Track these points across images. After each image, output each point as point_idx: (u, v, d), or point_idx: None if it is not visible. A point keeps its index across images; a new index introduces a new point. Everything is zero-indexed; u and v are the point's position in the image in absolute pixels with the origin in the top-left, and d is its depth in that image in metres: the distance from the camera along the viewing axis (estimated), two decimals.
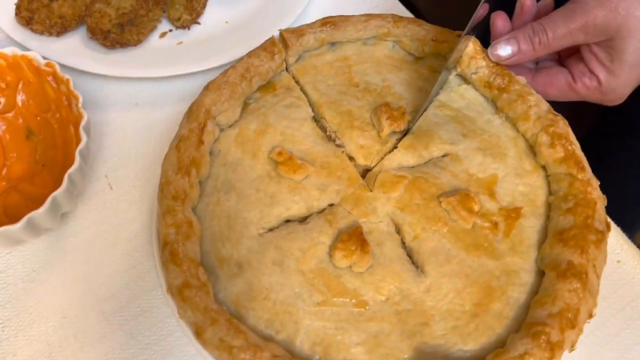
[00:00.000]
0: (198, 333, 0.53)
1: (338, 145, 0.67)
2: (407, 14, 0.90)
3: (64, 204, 0.65)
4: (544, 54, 0.68)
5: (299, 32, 0.70)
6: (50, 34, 0.81)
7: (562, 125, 0.66)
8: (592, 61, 0.66)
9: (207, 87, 0.67)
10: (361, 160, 0.66)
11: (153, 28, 0.85)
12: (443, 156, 0.67)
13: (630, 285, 0.70)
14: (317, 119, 0.69)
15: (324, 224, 0.61)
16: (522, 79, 0.69)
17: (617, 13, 0.60)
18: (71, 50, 0.80)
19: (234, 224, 0.61)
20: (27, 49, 0.74)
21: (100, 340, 0.63)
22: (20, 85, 0.73)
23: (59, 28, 0.81)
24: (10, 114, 0.74)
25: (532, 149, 0.68)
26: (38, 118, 0.73)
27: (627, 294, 0.69)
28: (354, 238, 0.59)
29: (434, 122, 0.69)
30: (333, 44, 0.73)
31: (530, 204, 0.64)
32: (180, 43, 0.84)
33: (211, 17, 0.88)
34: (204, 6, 0.88)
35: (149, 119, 0.79)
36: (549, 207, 0.64)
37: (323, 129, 0.69)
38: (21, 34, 0.80)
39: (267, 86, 0.71)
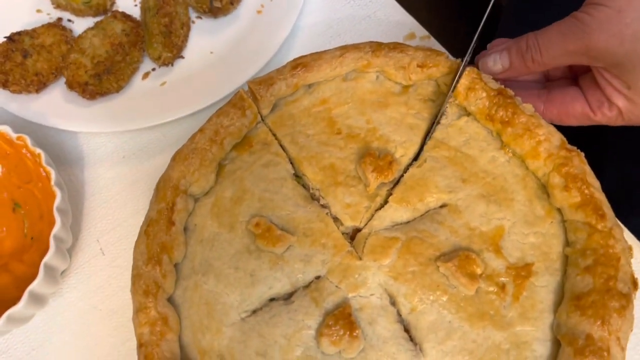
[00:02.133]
0: None
1: (323, 206, 0.61)
2: (407, 17, 0.81)
3: (59, 264, 0.64)
4: (541, 70, 0.60)
5: (268, 81, 0.63)
6: (29, 92, 0.78)
7: (578, 164, 0.56)
8: (608, 88, 0.56)
9: (174, 158, 0.62)
10: (348, 222, 0.59)
11: (134, 71, 0.80)
12: (441, 207, 0.60)
13: None
14: (298, 176, 0.63)
15: (310, 303, 0.56)
16: (529, 108, 0.60)
17: (623, 39, 0.51)
18: (52, 108, 0.77)
19: (213, 311, 0.57)
20: (9, 112, 0.73)
21: None
22: None
23: (36, 85, 0.78)
24: None
25: (545, 189, 0.59)
26: (21, 189, 0.72)
27: None
28: (341, 321, 0.54)
29: (429, 167, 0.61)
30: (310, 85, 0.66)
31: (544, 258, 0.56)
32: (163, 84, 0.79)
33: (195, 48, 0.82)
34: (185, 39, 0.82)
35: (137, 172, 0.76)
36: (566, 259, 0.56)
37: (306, 186, 0.62)
38: (1, 97, 0.78)
39: (243, 143, 0.65)
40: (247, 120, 0.63)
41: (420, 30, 0.80)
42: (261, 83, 0.63)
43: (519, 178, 0.60)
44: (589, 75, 0.59)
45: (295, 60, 0.64)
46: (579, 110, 0.59)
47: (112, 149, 0.78)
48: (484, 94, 0.61)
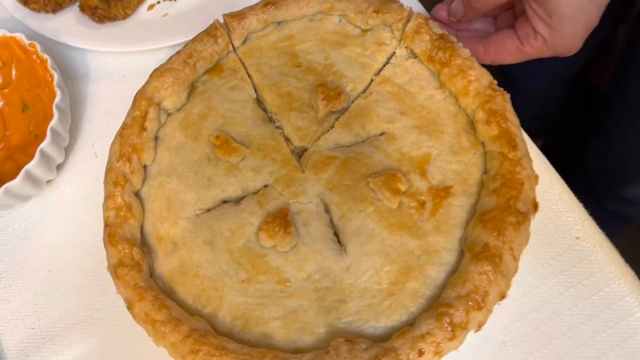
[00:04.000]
0: (129, 307, 0.59)
1: (277, 127, 0.69)
2: None
3: (54, 155, 0.74)
4: (487, 9, 0.68)
5: (240, 15, 0.71)
6: (47, 12, 0.87)
7: (500, 101, 0.63)
8: (534, 19, 0.63)
9: (151, 75, 0.70)
10: (297, 142, 0.68)
11: (140, 2, 0.89)
12: (380, 135, 0.67)
13: (586, 263, 0.69)
14: (260, 101, 0.71)
15: (255, 205, 0.64)
16: (465, 52, 0.67)
17: None
18: (64, 27, 0.87)
19: (173, 206, 0.66)
20: (28, 27, 0.84)
21: (78, 292, 0.73)
22: (13, 63, 0.81)
23: (53, 6, 0.87)
24: (6, 90, 0.82)
25: (473, 125, 0.66)
26: (30, 92, 0.81)
27: (581, 272, 0.68)
28: (278, 219, 0.62)
29: (373, 100, 0.69)
30: (280, 23, 0.74)
31: (462, 183, 0.63)
32: (165, 15, 0.88)
33: None
34: None
35: (134, 90, 0.83)
36: (482, 185, 0.63)
37: (265, 110, 0.71)
38: (22, 13, 0.88)
39: (215, 68, 0.73)
40: (219, 48, 0.72)
41: None
42: (234, 17, 0.71)
43: (451, 114, 0.67)
44: (522, 17, 0.66)
45: None
46: (511, 46, 0.66)
47: (114, 68, 0.88)
48: (428, 37, 0.68)
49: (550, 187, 0.72)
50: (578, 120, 1.75)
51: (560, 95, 1.66)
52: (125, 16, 0.87)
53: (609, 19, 1.31)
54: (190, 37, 0.82)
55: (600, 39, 1.40)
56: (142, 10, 0.89)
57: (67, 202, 0.79)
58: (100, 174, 0.78)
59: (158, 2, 0.90)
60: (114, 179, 0.65)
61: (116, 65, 0.87)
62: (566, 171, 1.56)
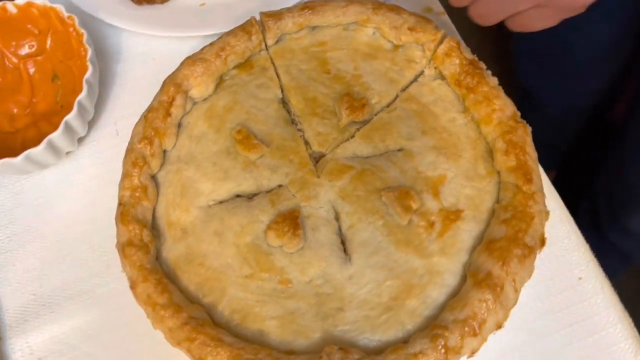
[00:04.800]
0: (132, 287, 0.61)
1: (299, 130, 0.70)
2: None
3: (78, 128, 0.75)
4: None
5: (277, 15, 0.72)
6: None
7: (521, 134, 0.64)
8: None
9: (182, 62, 0.72)
10: (316, 147, 0.68)
11: None
12: (398, 150, 0.68)
13: (585, 304, 0.69)
14: (285, 102, 0.72)
15: (267, 203, 0.65)
16: (493, 80, 0.68)
17: None
18: (103, 3, 0.88)
19: (187, 193, 0.67)
20: (68, 1, 0.85)
21: (83, 265, 0.74)
22: (49, 33, 0.83)
23: None
24: (40, 57, 0.84)
25: (491, 153, 0.67)
26: (62, 64, 0.83)
27: (580, 313, 0.68)
28: (287, 220, 0.63)
29: (396, 116, 0.69)
30: (314, 27, 0.75)
31: (474, 208, 0.64)
32: (203, 4, 0.89)
33: None
34: None
35: (163, 74, 0.85)
36: (493, 214, 0.64)
37: (289, 112, 0.72)
38: None
39: (245, 64, 0.74)
40: (252, 45, 0.73)
41: (437, 6, 0.88)
42: (271, 16, 0.72)
43: (470, 139, 0.68)
44: None
45: (305, 2, 0.73)
46: None
47: (147, 50, 0.89)
48: (458, 61, 0.69)
49: (559, 224, 0.73)
50: (591, 153, 1.76)
51: (574, 127, 1.67)
52: (164, 1, 0.88)
53: (622, 57, 1.33)
54: (225, 30, 0.83)
55: (615, 72, 1.40)
56: None
57: (84, 175, 0.80)
58: (119, 152, 0.79)
59: None
60: (133, 159, 0.66)
61: (148, 47, 0.88)
62: (575, 201, 1.57)
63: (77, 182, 0.80)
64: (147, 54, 0.88)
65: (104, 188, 0.78)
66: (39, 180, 0.80)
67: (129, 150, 0.67)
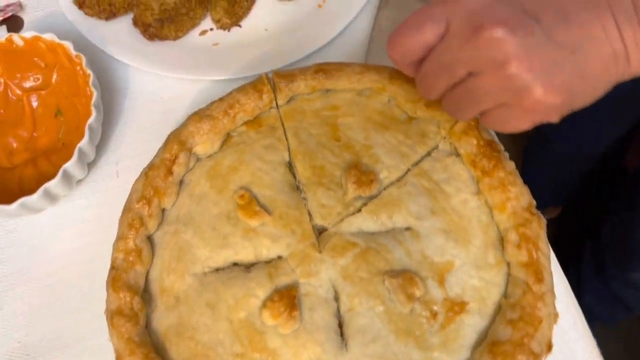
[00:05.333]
0: (117, 358, 0.58)
1: (304, 199, 0.67)
2: None
3: (77, 173, 0.73)
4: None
5: (290, 76, 0.70)
6: (99, 18, 0.86)
7: (535, 227, 0.61)
8: None
9: (189, 117, 0.69)
10: (318, 219, 0.66)
11: (194, 25, 0.87)
12: (406, 229, 0.65)
13: None
14: (291, 166, 0.70)
15: (265, 276, 0.63)
16: (510, 165, 0.65)
17: None
18: (113, 37, 0.85)
19: (183, 258, 0.64)
20: (78, 31, 0.84)
21: (71, 314, 0.72)
22: (56, 68, 0.80)
23: (107, 14, 0.86)
24: (44, 91, 0.81)
25: (502, 242, 0.64)
26: (67, 100, 0.80)
27: None
28: (285, 299, 0.60)
29: (406, 191, 0.66)
30: (328, 90, 0.72)
31: (480, 301, 0.61)
32: (216, 44, 0.86)
33: (252, 21, 0.88)
34: (246, 11, 0.88)
35: (170, 115, 0.84)
36: (499, 309, 0.61)
37: (295, 176, 0.69)
38: (75, 15, 0.86)
39: (254, 122, 0.71)
40: (262, 104, 0.70)
41: None
42: (284, 77, 0.70)
43: (482, 224, 0.65)
44: None
45: (319, 65, 0.70)
46: None
47: (155, 88, 0.86)
48: (475, 142, 0.66)
49: (566, 312, 0.70)
50: (600, 195, 1.74)
51: (585, 168, 1.65)
52: (176, 38, 0.86)
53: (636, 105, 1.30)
54: (235, 76, 0.81)
55: (632, 119, 1.38)
56: (194, 34, 0.87)
57: (80, 217, 0.78)
58: (118, 195, 0.77)
59: (211, 29, 0.88)
60: (129, 220, 0.63)
61: (156, 86, 0.86)
62: (580, 242, 1.54)
63: (72, 224, 0.77)
64: (156, 93, 0.86)
65: (100, 232, 0.76)
66: (34, 219, 0.78)
67: (126, 209, 0.65)
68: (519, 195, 0.63)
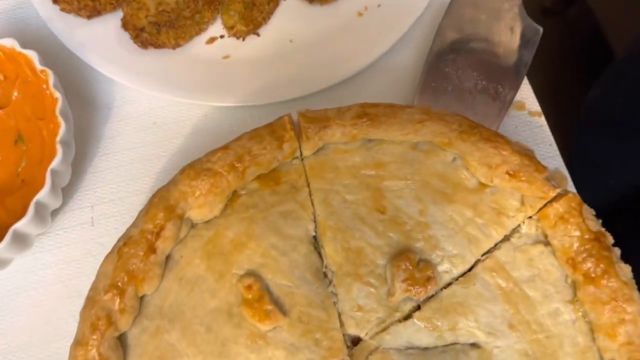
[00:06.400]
0: None
1: (333, 294, 0.49)
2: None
3: (33, 230, 0.55)
4: None
5: (322, 121, 0.51)
6: (79, 16, 0.67)
7: None
8: None
9: (181, 172, 0.51)
10: (351, 328, 0.48)
11: (199, 32, 0.67)
12: (471, 345, 0.48)
13: None
14: (317, 243, 0.52)
15: None
16: (626, 270, 0.46)
17: None
18: (96, 42, 0.66)
19: None
20: (50, 30, 0.65)
21: None
22: (17, 82, 0.62)
23: (89, 11, 0.67)
24: (2, 111, 0.63)
25: None
26: (30, 123, 0.62)
27: None
28: None
29: (475, 293, 0.48)
30: (371, 139, 0.53)
31: None
32: (227, 57, 0.67)
33: (274, 29, 0.68)
34: (267, 16, 0.68)
35: (163, 146, 0.66)
36: None
37: (320, 257, 0.51)
38: (49, 11, 0.67)
39: (269, 176, 0.53)
40: (282, 155, 0.52)
41: (533, 103, 0.65)
42: (314, 121, 0.51)
43: (578, 349, 0.47)
44: None
45: (363, 106, 0.51)
46: None
47: (145, 110, 0.67)
48: (577, 233, 0.47)
49: None
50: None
51: (632, 202, 1.48)
52: (177, 46, 0.66)
53: None
54: (249, 103, 0.63)
55: None
56: (199, 42, 0.67)
57: (39, 279, 0.60)
58: (91, 250, 0.61)
59: (221, 37, 0.68)
60: (93, 318, 0.46)
61: (148, 107, 0.67)
62: None
63: (32, 285, 0.60)
64: (146, 116, 0.67)
65: (62, 298, 0.59)
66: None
67: (89, 300, 0.47)
68: (638, 318, 0.45)
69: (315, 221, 0.51)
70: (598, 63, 1.30)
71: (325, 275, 0.50)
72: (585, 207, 0.48)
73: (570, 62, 1.64)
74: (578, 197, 0.48)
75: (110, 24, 0.67)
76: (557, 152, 0.63)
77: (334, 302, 0.49)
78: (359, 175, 0.52)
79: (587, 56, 1.67)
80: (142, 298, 0.49)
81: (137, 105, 0.67)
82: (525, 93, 0.67)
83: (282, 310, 0.48)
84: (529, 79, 0.66)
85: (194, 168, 0.50)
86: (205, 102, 0.64)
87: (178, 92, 0.64)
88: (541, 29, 0.63)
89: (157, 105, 0.67)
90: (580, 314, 0.48)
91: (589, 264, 0.46)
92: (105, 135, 0.66)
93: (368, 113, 0.50)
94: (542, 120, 0.65)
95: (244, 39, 0.68)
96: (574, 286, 0.48)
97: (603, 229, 0.48)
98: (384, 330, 0.48)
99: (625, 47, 1.18)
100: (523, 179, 0.49)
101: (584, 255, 0.47)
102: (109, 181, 0.64)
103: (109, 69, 0.65)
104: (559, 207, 0.48)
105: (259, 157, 0.51)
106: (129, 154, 0.65)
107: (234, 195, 0.53)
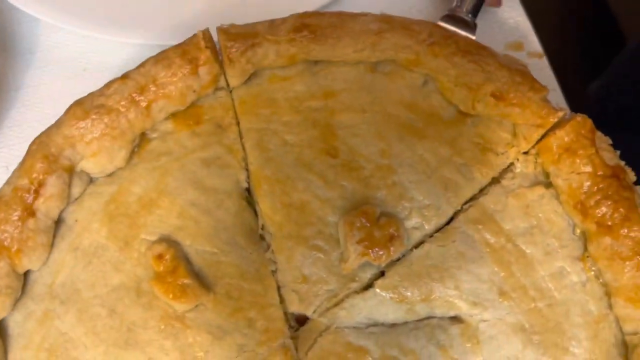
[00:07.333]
0: None
1: (271, 261, 0.38)
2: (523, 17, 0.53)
3: None
4: None
5: (250, 37, 0.38)
6: None
7: None
8: None
9: (67, 111, 0.39)
10: (294, 305, 0.37)
11: None
12: (451, 319, 0.37)
13: None
14: (251, 198, 0.40)
15: None
16: None
17: None
18: None
19: None
20: None
21: None
22: None
23: None
24: None
25: (624, 351, 0.36)
26: None
27: None
28: None
29: (455, 252, 0.37)
30: (317, 62, 0.40)
31: None
32: None
33: None
34: None
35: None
36: None
37: (255, 215, 0.40)
38: None
39: (188, 113, 0.41)
40: (198, 84, 0.39)
41: (533, 43, 0.52)
42: (238, 38, 0.38)
43: (589, 319, 0.36)
44: None
45: (302, 16, 0.38)
46: None
47: (75, 54, 0.57)
48: (589, 168, 0.35)
49: None
50: None
51: None
52: None
53: None
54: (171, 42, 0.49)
55: None
56: None
57: None
58: None
59: None
60: None
61: (77, 51, 0.56)
62: None
63: None
64: (76, 61, 0.56)
65: None
66: None
67: None
68: None
69: (247, 170, 0.40)
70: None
71: (261, 238, 0.39)
72: (599, 134, 0.36)
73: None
74: (589, 121, 0.36)
75: None
76: (563, 99, 0.51)
77: (272, 272, 0.38)
78: (302, 110, 0.40)
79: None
80: (26, 275, 0.38)
81: (64, 49, 0.57)
82: (524, 30, 0.54)
83: (204, 284, 0.37)
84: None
85: (83, 105, 0.39)
86: (147, 41, 0.51)
87: (117, 31, 0.51)
88: None
89: (89, 49, 0.56)
90: (592, 273, 0.37)
91: (603, 209, 0.35)
92: (25, 84, 0.55)
93: (309, 25, 0.38)
94: (544, 61, 0.52)
95: None
96: (584, 238, 0.37)
97: (622, 163, 0.36)
98: (336, 305, 0.37)
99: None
100: (514, 101, 0.37)
101: (598, 197, 0.35)
102: (29, 137, 0.52)
103: (34, 7, 0.52)
104: (563, 135, 0.36)
105: (167, 87, 0.39)
106: (54, 106, 0.52)
107: (143, 139, 0.41)
